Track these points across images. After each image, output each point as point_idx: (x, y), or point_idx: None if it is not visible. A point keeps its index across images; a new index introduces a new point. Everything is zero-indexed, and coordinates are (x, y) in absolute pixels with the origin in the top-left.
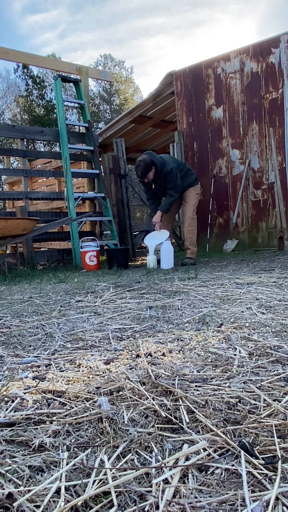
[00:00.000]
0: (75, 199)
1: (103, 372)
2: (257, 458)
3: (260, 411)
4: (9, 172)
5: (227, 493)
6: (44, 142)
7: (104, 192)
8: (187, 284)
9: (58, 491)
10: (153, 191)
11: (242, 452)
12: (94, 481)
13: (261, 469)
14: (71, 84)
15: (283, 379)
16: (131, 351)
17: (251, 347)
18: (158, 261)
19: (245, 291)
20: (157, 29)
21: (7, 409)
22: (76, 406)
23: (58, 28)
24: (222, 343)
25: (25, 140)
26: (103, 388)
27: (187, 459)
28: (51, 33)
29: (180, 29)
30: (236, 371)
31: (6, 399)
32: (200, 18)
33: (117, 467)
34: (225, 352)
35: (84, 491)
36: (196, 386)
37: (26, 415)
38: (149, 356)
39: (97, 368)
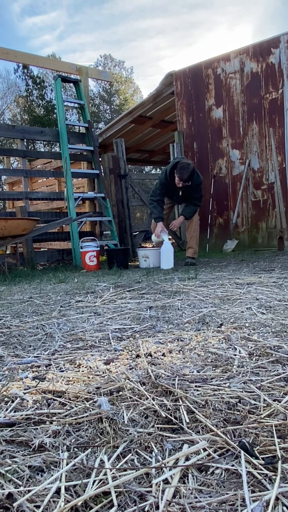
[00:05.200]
0: (75, 199)
1: (103, 372)
2: (257, 458)
3: (260, 411)
4: (9, 172)
5: (227, 493)
6: (44, 142)
7: (104, 192)
8: (187, 284)
9: (58, 491)
10: (162, 196)
11: (242, 452)
12: (94, 481)
13: (261, 469)
14: (71, 84)
15: (283, 379)
16: (131, 351)
17: (251, 347)
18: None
19: (245, 291)
20: (155, 30)
21: (7, 409)
22: (76, 406)
23: (57, 30)
24: (222, 343)
25: (25, 140)
26: (103, 388)
27: (187, 459)
28: (50, 34)
29: (178, 31)
30: (236, 371)
31: (6, 399)
32: (198, 19)
33: (117, 467)
34: (225, 352)
35: (84, 491)
36: (196, 386)
37: (26, 415)
38: (149, 356)
39: (97, 368)
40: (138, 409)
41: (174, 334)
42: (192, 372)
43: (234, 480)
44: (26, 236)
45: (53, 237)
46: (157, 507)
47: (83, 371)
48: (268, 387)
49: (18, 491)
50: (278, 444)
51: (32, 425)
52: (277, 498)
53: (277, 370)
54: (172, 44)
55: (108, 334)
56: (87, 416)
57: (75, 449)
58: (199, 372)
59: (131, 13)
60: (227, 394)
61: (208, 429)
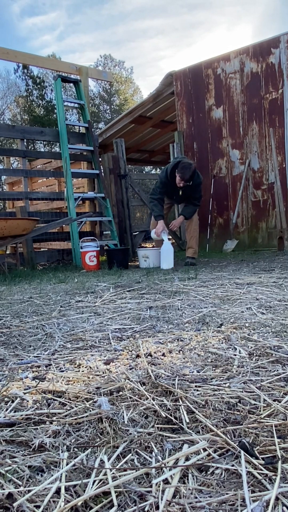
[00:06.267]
0: (75, 199)
1: (103, 372)
2: (257, 458)
3: (260, 411)
4: (9, 173)
5: (227, 493)
6: (44, 142)
7: (104, 192)
8: (187, 284)
9: (58, 491)
10: (162, 195)
11: (242, 452)
12: (94, 481)
13: (261, 469)
14: (71, 84)
15: (283, 379)
16: (131, 351)
17: (251, 347)
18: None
19: (245, 291)
20: (155, 31)
21: (7, 409)
22: (76, 406)
23: (57, 30)
24: (222, 343)
25: (25, 140)
26: (103, 388)
27: (187, 459)
28: (50, 35)
29: (178, 31)
30: (236, 371)
31: (6, 399)
32: (198, 20)
33: (117, 467)
34: (225, 352)
35: (84, 491)
36: (196, 386)
37: (26, 415)
38: (149, 356)
39: (97, 368)
40: (138, 409)
41: (174, 334)
42: (192, 372)
43: (234, 480)
44: (26, 236)
45: (53, 237)
46: (157, 507)
47: (83, 371)
48: (268, 387)
49: (18, 491)
50: (278, 444)
51: (32, 425)
52: (277, 498)
53: (277, 370)
54: (172, 44)
55: (108, 334)
56: (87, 416)
57: (75, 449)
58: (199, 372)
59: (130, 14)
60: (227, 394)
61: (208, 429)
